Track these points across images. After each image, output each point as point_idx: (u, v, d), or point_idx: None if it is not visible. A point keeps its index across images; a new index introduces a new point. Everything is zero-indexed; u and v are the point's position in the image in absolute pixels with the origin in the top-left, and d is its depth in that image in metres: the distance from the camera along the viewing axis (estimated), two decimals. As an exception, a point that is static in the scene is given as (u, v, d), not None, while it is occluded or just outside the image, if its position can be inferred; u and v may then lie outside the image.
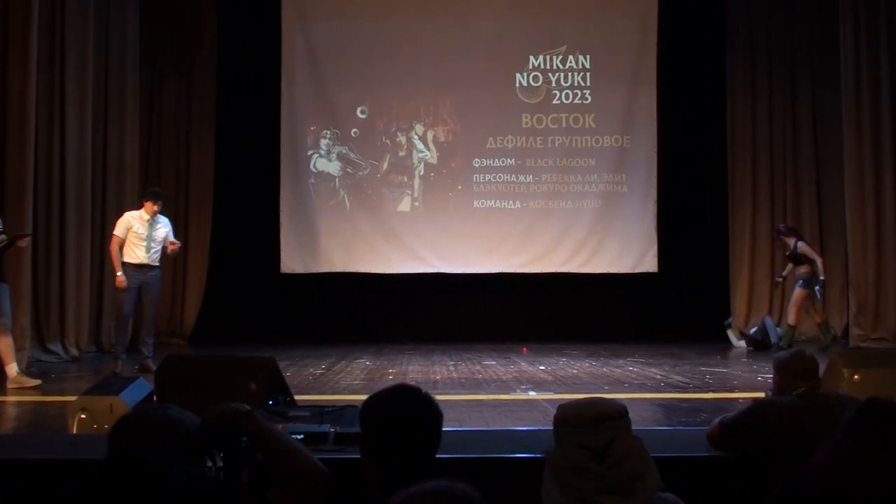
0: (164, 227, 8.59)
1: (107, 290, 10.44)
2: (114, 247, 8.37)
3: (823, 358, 4.97)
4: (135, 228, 8.35)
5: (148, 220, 8.41)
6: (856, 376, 4.81)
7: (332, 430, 3.64)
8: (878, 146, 10.55)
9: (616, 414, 2.24)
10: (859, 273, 10.64)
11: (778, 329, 10.96)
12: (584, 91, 12.06)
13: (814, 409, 3.15)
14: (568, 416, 2.23)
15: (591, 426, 2.17)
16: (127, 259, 8.33)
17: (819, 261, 10.43)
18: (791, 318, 10.47)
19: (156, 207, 8.45)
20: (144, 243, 8.34)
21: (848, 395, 3.65)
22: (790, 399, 3.36)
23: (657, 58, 11.93)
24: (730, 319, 11.65)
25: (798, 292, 10.41)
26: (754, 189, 11.89)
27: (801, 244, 10.43)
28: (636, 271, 11.86)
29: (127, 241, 8.34)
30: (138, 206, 8.80)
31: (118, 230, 8.40)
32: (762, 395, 3.80)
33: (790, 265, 10.65)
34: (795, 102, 11.89)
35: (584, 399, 2.36)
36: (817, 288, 10.38)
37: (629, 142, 12.01)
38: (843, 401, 3.32)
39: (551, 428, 2.27)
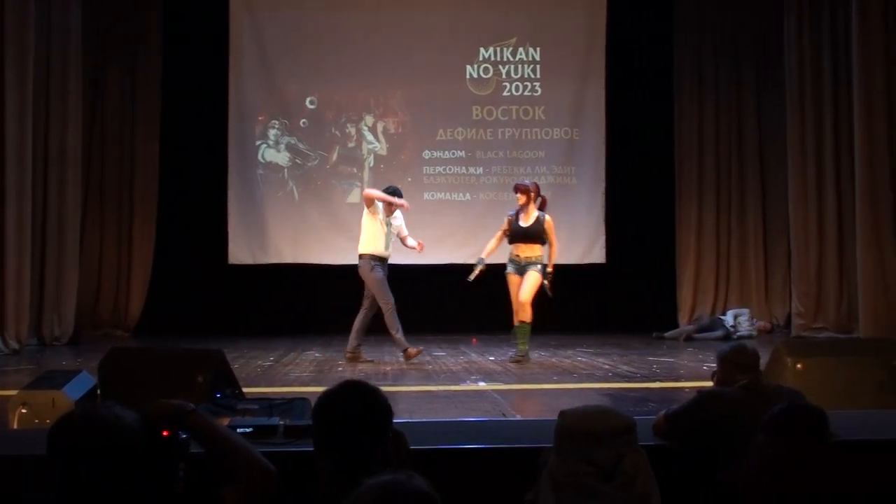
0: (398, 221, 8.59)
1: (48, 282, 10.23)
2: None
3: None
4: (380, 218, 8.37)
5: (386, 219, 8.41)
6: (798, 365, 4.92)
7: (281, 423, 3.62)
8: (820, 141, 10.76)
9: (625, 428, 2.15)
10: (801, 265, 10.86)
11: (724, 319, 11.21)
12: (534, 83, 12.10)
13: (755, 400, 3.22)
14: (573, 428, 2.14)
15: (598, 441, 2.08)
16: (376, 252, 8.31)
17: (555, 246, 8.45)
18: (527, 314, 8.20)
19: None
20: (384, 238, 8.37)
21: (788, 387, 3.74)
22: (733, 391, 3.44)
23: (606, 51, 12.01)
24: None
25: (538, 277, 8.18)
26: (700, 181, 12.05)
27: (549, 218, 8.35)
28: (584, 262, 11.93)
29: (374, 232, 8.31)
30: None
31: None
32: (708, 384, 3.86)
33: (497, 243, 8.45)
34: (741, 97, 12.07)
35: (591, 409, 2.25)
36: (545, 283, 8.27)
37: (578, 134, 12.08)
38: (783, 393, 3.41)
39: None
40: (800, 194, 10.84)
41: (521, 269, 8.18)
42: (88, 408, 2.04)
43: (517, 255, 8.24)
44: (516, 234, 8.24)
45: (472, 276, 8.36)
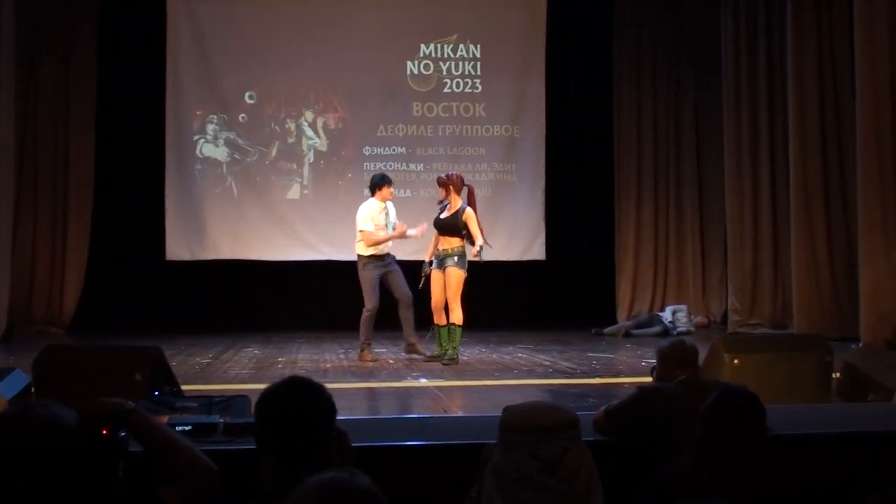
0: (391, 211, 8.37)
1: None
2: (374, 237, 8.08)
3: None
4: (377, 221, 8.11)
5: (384, 208, 8.17)
6: (736, 361, 5.02)
7: (220, 420, 3.58)
8: (755, 139, 10.98)
9: (569, 423, 2.15)
10: (737, 261, 11.07)
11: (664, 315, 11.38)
12: (475, 80, 12.13)
13: (694, 395, 3.26)
14: (518, 422, 2.14)
15: (542, 435, 2.08)
16: (375, 251, 8.11)
17: (481, 239, 7.92)
18: (456, 316, 7.85)
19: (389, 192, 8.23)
20: (384, 232, 8.17)
21: (726, 382, 3.81)
22: (672, 386, 3.48)
23: (546, 48, 12.09)
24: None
25: (458, 273, 7.86)
26: (639, 179, 12.21)
27: (469, 210, 8.00)
28: (524, 259, 12.01)
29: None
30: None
31: (367, 225, 8.09)
32: (647, 379, 3.91)
33: (436, 241, 8.16)
34: (679, 95, 12.25)
35: (535, 404, 2.25)
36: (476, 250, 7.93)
37: (518, 131, 12.14)
38: (721, 388, 3.46)
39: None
40: (736, 192, 11.04)
41: (440, 263, 7.97)
42: (24, 406, 1.99)
43: (437, 248, 8.11)
44: (436, 226, 8.12)
45: (421, 285, 8.18)
